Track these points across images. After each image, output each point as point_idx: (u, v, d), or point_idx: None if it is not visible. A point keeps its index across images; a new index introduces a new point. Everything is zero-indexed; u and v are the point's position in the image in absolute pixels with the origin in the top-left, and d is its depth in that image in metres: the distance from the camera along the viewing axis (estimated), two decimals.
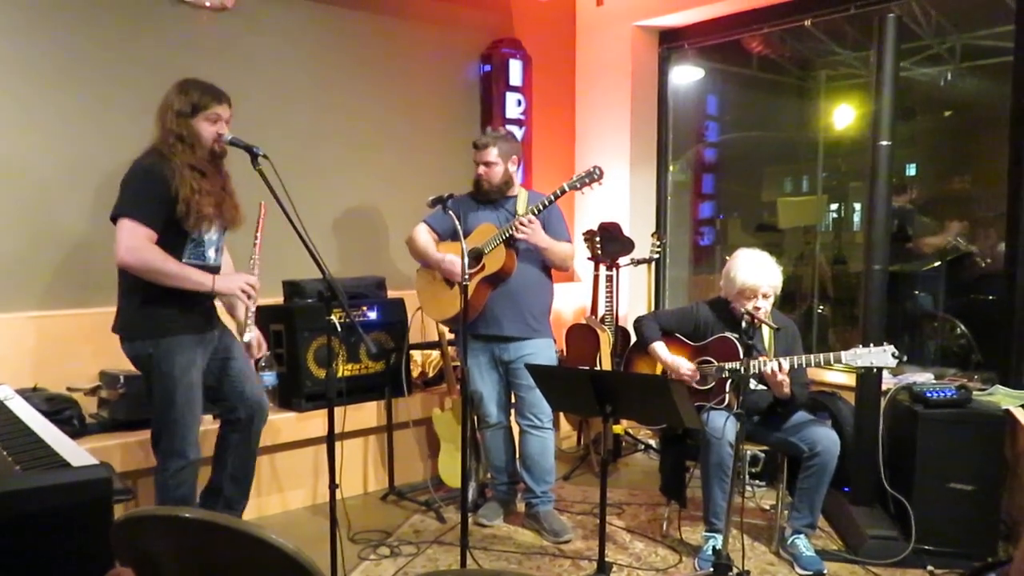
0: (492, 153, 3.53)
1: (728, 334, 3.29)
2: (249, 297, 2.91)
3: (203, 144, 2.85)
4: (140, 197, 2.77)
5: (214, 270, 2.96)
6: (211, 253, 2.94)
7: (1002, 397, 3.51)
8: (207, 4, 3.89)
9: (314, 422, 3.76)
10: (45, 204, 3.56)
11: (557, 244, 3.51)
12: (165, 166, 2.78)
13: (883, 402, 3.50)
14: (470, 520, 3.41)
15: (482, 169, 3.55)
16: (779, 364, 3.06)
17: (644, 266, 4.69)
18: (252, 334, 3.01)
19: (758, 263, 3.23)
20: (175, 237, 2.83)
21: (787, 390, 3.14)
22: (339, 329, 2.69)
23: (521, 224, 3.36)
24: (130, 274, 2.81)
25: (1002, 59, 4.12)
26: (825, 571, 3.15)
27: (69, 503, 1.52)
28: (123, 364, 3.47)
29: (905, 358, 3.35)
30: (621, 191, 5.27)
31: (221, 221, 2.95)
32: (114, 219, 2.79)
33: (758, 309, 3.16)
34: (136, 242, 2.74)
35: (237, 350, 3.09)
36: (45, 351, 3.50)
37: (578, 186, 3.40)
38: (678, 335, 3.44)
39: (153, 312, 2.84)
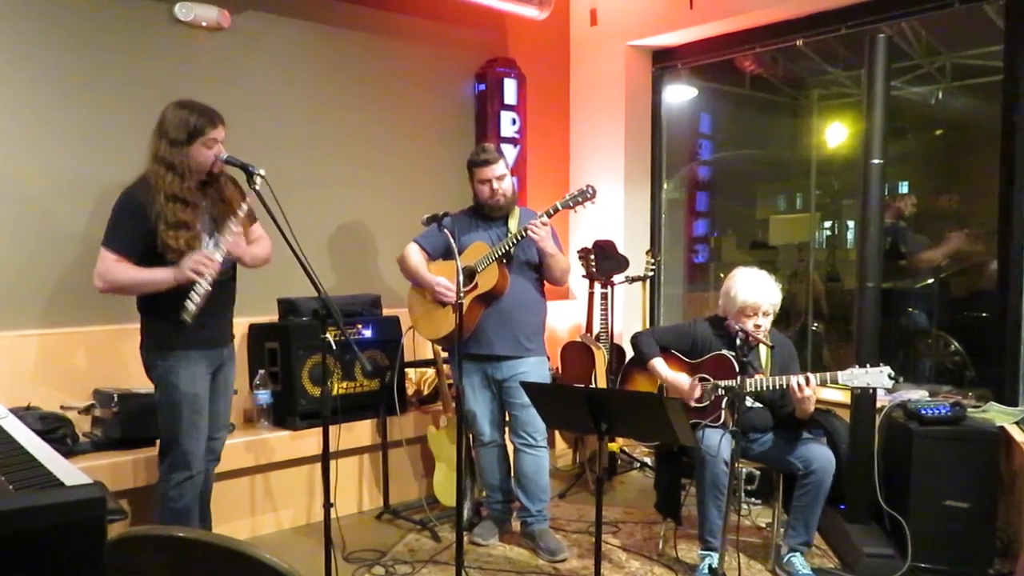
0: (503, 166, 3.51)
1: (725, 352, 3.30)
2: (201, 275, 2.74)
3: (197, 170, 2.82)
4: (117, 228, 2.83)
5: (224, 274, 2.91)
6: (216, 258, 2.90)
7: (996, 414, 3.52)
8: (204, 24, 3.92)
9: (309, 440, 3.75)
10: (41, 222, 3.55)
11: (561, 255, 3.51)
12: (147, 196, 2.77)
13: (878, 419, 3.51)
14: (465, 539, 3.40)
15: (495, 184, 3.47)
16: (807, 379, 3.02)
17: (639, 284, 4.70)
18: (195, 306, 2.77)
19: (758, 281, 3.24)
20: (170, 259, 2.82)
21: (811, 407, 3.10)
22: (334, 347, 2.70)
23: (535, 226, 3.32)
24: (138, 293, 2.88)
25: (992, 78, 4.16)
26: None
27: (62, 523, 1.51)
28: (117, 382, 3.48)
29: (900, 379, 3.36)
30: (615, 209, 5.29)
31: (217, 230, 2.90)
32: None
33: (759, 327, 3.16)
34: (102, 268, 2.81)
35: (225, 383, 3.09)
36: (39, 370, 3.48)
37: (571, 204, 3.38)
38: (675, 352, 3.44)
39: (159, 327, 2.88)
